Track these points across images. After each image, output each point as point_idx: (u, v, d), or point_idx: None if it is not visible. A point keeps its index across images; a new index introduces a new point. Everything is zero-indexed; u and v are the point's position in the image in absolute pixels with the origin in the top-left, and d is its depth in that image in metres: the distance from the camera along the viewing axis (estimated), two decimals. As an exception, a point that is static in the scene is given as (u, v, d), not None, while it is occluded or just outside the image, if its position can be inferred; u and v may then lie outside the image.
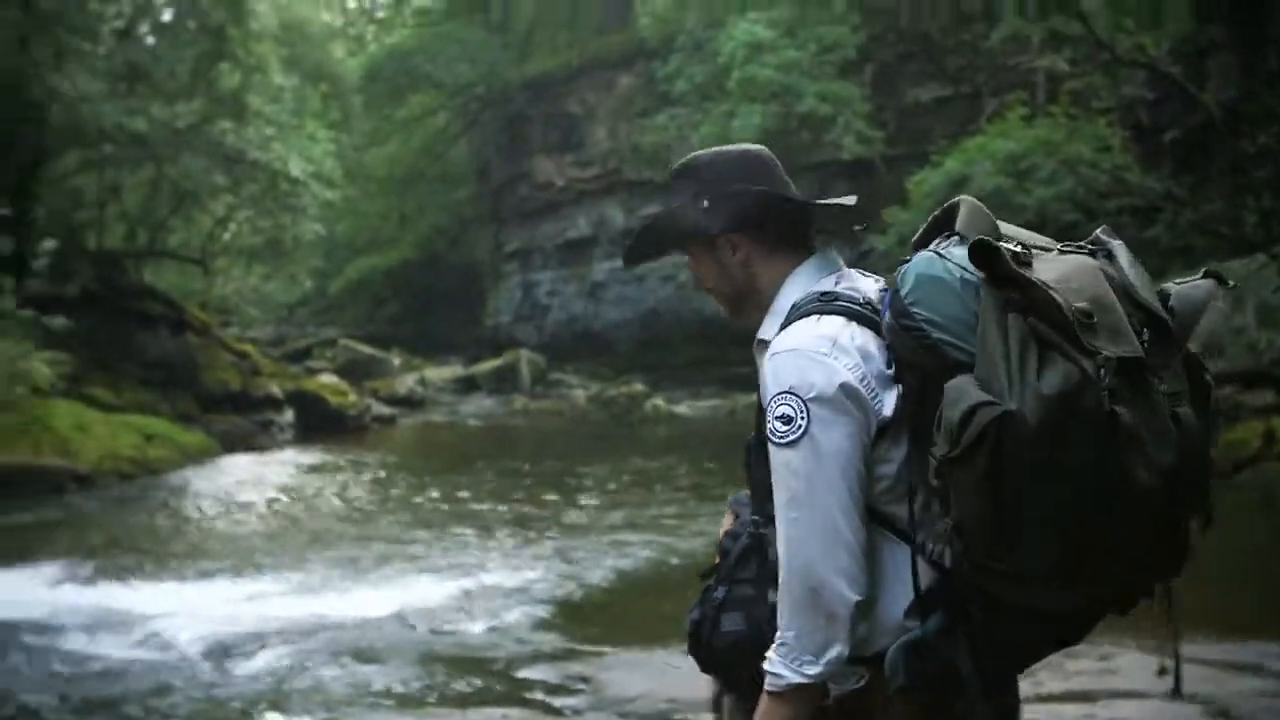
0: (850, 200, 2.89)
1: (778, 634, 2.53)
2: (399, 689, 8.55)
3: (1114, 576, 2.42)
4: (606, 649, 9.62)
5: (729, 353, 37.62)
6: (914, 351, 2.46)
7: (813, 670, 2.48)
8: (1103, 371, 2.23)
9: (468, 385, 35.79)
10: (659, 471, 19.85)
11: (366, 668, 9.10)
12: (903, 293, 2.49)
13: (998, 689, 2.51)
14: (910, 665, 2.44)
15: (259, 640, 9.77)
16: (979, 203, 2.58)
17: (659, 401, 32.05)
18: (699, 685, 8.31)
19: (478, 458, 21.34)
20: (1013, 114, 25.96)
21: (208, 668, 9.14)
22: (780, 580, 2.53)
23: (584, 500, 17.00)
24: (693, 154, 3.12)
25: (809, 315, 2.64)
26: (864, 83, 32.02)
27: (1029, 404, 2.23)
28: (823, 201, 2.89)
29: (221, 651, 9.52)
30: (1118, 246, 2.54)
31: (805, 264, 2.82)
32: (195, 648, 9.57)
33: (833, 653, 2.48)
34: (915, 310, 2.45)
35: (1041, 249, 2.51)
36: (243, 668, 9.10)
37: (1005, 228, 2.57)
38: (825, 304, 2.65)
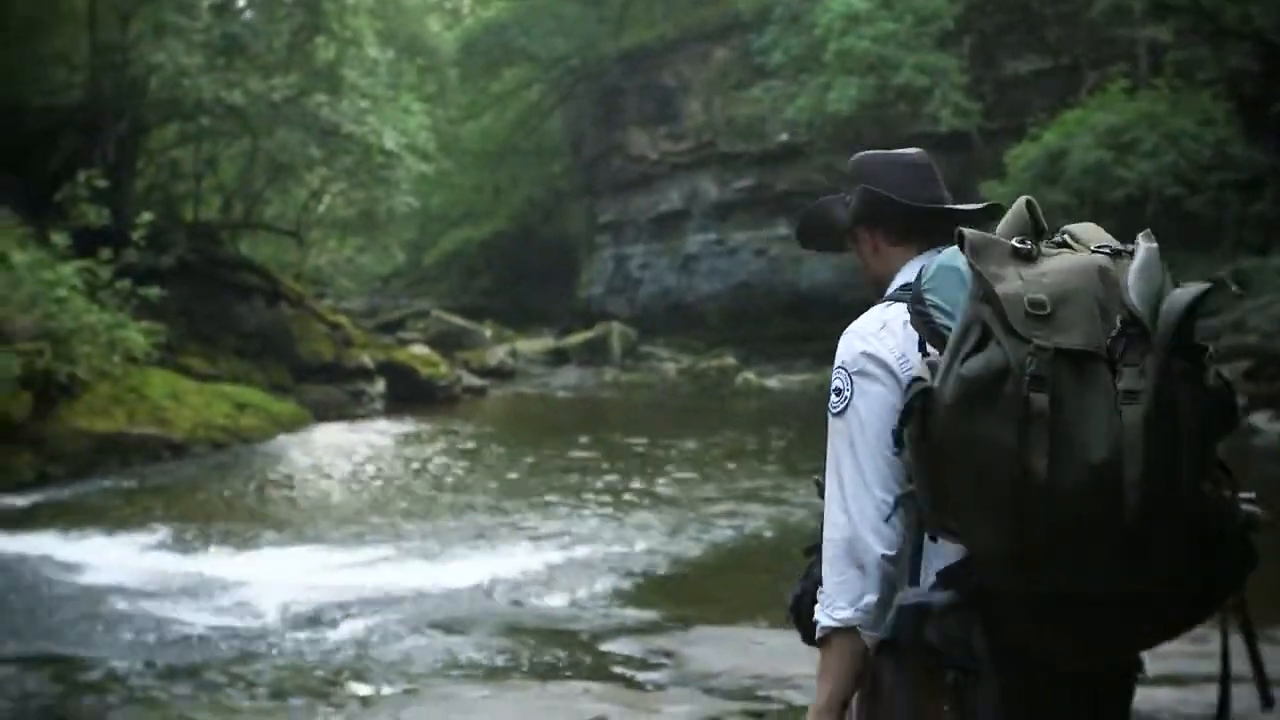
0: (956, 206, 3.01)
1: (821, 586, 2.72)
2: (482, 660, 8.53)
3: (1089, 572, 2.33)
4: (692, 623, 9.55)
5: (821, 327, 37.26)
6: (924, 333, 2.60)
7: (843, 614, 2.65)
8: (1030, 360, 2.29)
9: (558, 357, 35.83)
10: (750, 445, 19.73)
11: (450, 638, 9.10)
12: (923, 280, 2.64)
13: (1011, 670, 2.48)
14: (903, 625, 2.52)
15: (344, 609, 9.81)
16: (1031, 202, 2.62)
17: (750, 375, 31.89)
18: (784, 661, 8.26)
19: (567, 429, 21.32)
20: (1114, 86, 25.48)
21: (293, 636, 9.17)
22: (824, 536, 2.73)
23: (672, 473, 16.93)
24: (860, 153, 3.31)
25: (885, 301, 2.90)
26: (961, 54, 31.55)
27: (948, 384, 2.34)
28: (926, 206, 3.00)
29: (307, 620, 9.56)
30: (1143, 249, 2.48)
31: (917, 257, 2.96)
32: (281, 615, 9.62)
33: (864, 601, 2.63)
34: (927, 296, 2.59)
35: (1083, 246, 2.54)
36: (327, 636, 9.13)
37: (1077, 228, 2.64)
38: (902, 292, 2.82)
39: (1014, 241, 2.47)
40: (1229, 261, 27.70)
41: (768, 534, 12.86)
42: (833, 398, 2.78)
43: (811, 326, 37.46)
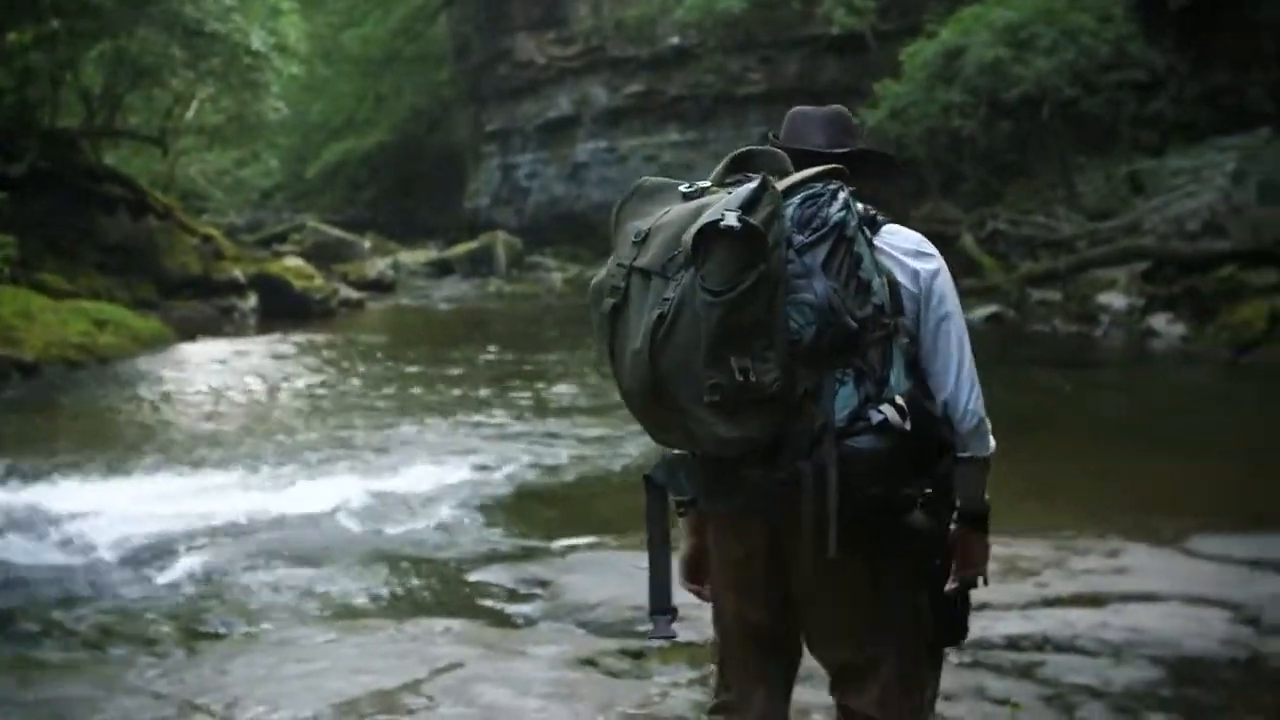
0: (826, 149, 3.37)
1: None
2: (334, 597, 7.70)
3: (653, 432, 3.16)
4: (571, 548, 8.77)
5: (714, 234, 36.66)
6: None
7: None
8: (617, 274, 3.04)
9: (442, 269, 34.77)
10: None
11: (301, 571, 8.24)
12: None
13: (716, 499, 3.15)
14: (658, 475, 3.25)
15: (188, 541, 8.86)
16: (740, 155, 3.18)
17: (640, 281, 31.00)
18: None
19: (445, 343, 20.41)
20: (1011, -20, 24.75)
21: (126, 574, 8.24)
22: None
23: (553, 388, 16.14)
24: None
25: None
26: (857, -48, 30.66)
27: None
28: (794, 148, 3.36)
29: (145, 555, 8.60)
30: (740, 188, 2.95)
31: None
32: (114, 552, 8.64)
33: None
34: None
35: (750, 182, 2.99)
36: (163, 574, 8.20)
37: (801, 172, 3.12)
38: None
39: (682, 186, 3.11)
40: (1125, 163, 27.37)
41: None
42: None
43: (704, 234, 36.77)
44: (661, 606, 3.28)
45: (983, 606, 6.49)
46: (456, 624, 6.83)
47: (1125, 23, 23.97)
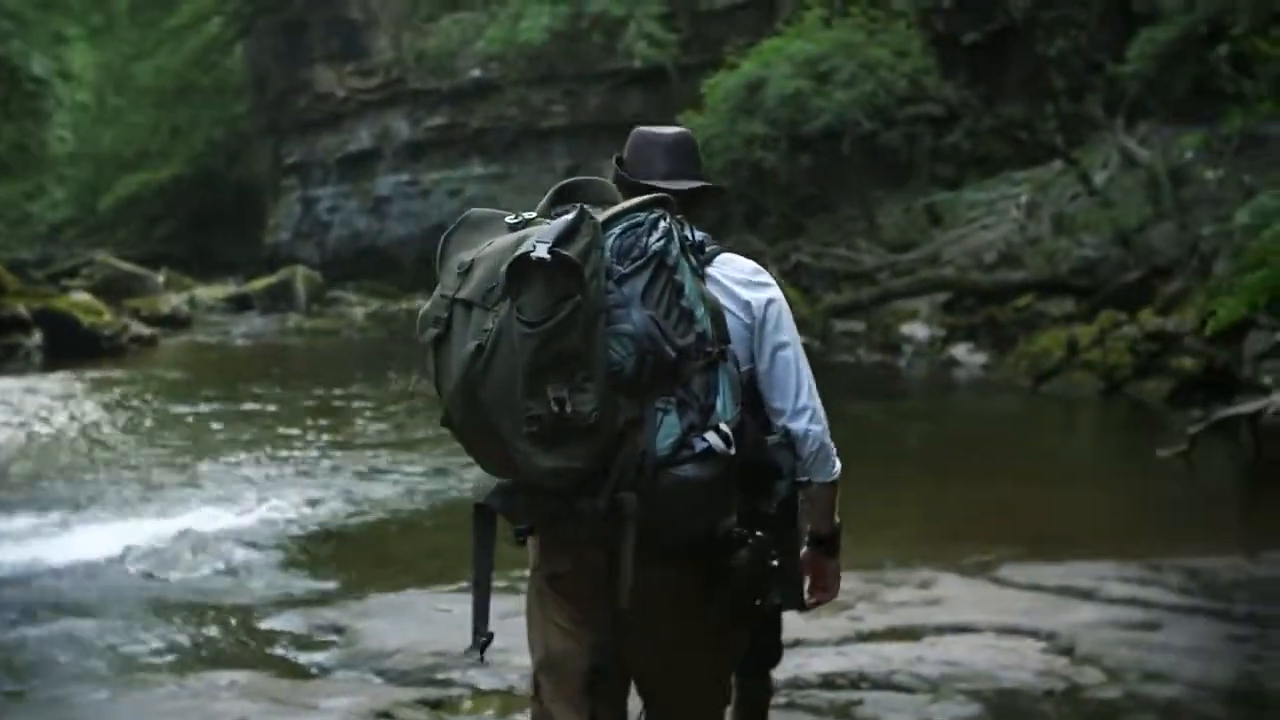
0: (670, 186, 3.34)
1: None
2: (111, 651, 7.15)
3: (481, 460, 3.12)
4: (369, 590, 8.35)
5: (520, 269, 36.33)
6: None
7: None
8: (440, 305, 3.02)
9: (240, 304, 33.79)
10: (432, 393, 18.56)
11: (76, 623, 7.67)
12: None
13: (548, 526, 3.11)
14: (493, 501, 3.16)
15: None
16: (564, 187, 3.14)
17: (442, 318, 30.50)
18: (470, 632, 7.13)
19: (239, 380, 19.69)
20: (811, 15, 24.99)
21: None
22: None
23: (356, 424, 15.65)
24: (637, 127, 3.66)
25: None
26: (658, -15, 30.75)
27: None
28: (639, 182, 3.39)
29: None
30: (558, 220, 2.94)
31: None
32: None
33: None
34: None
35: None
36: (-76, 630, 7.57)
37: (590, 190, 3.15)
38: None
39: (508, 218, 3.07)
40: (923, 195, 27.85)
41: (455, 490, 11.75)
42: None
43: (508, 268, 36.43)
44: (480, 629, 3.23)
45: (796, 643, 6.30)
46: (243, 676, 6.39)
47: (921, 57, 24.41)
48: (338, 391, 18.44)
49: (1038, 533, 10.09)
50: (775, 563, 3.13)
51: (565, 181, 3.15)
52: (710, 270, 3.16)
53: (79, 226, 50.89)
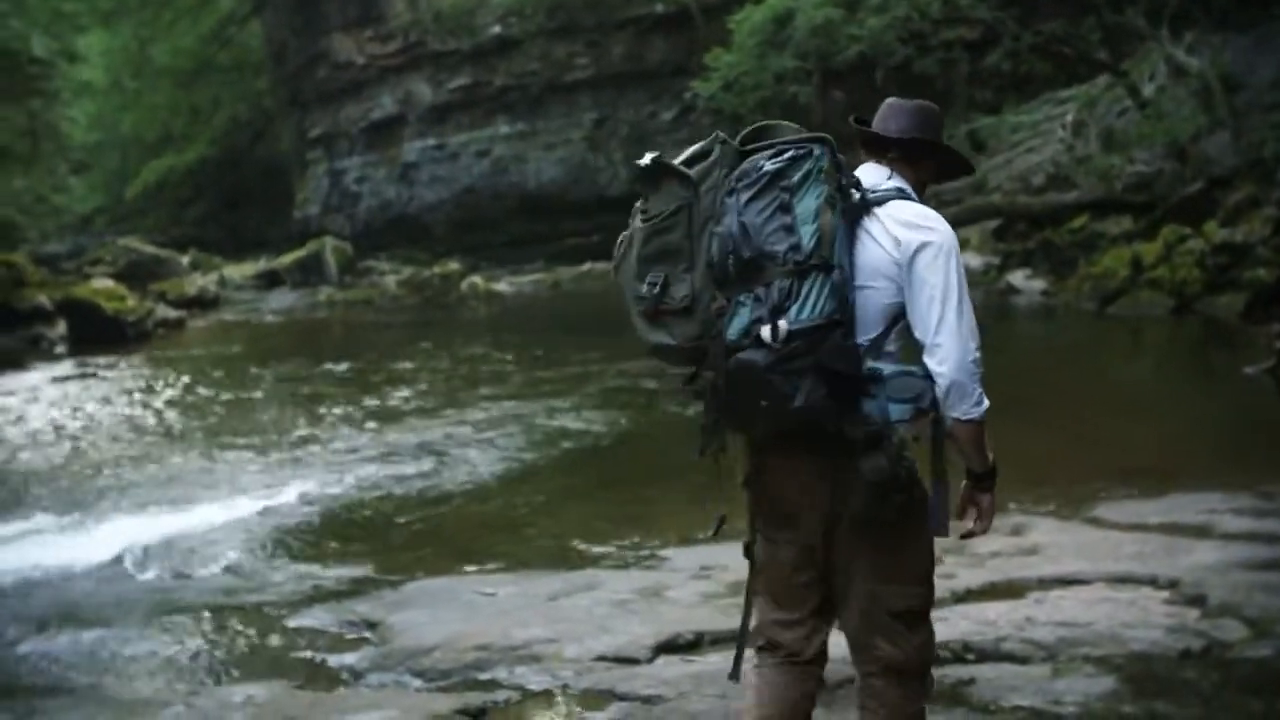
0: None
1: None
2: (121, 664, 6.41)
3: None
4: (407, 576, 7.58)
5: (554, 225, 35.62)
6: None
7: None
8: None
9: (270, 280, 33.06)
10: (471, 359, 17.85)
11: (87, 634, 6.94)
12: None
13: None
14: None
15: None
16: (773, 124, 3.58)
17: (476, 280, 29.87)
18: (517, 620, 6.35)
19: (267, 359, 18.98)
20: (838, -59, 23.98)
21: None
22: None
23: (389, 398, 14.92)
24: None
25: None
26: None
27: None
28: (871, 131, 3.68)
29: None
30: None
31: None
32: None
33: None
34: None
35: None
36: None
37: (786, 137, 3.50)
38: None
39: (676, 162, 3.51)
40: (963, 122, 26.86)
41: (506, 463, 11.02)
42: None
43: (544, 227, 35.69)
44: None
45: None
46: (261, 690, 5.63)
47: (955, -25, 23.35)
48: (365, 365, 17.70)
49: (1129, 465, 9.29)
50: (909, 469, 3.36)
51: (757, 124, 3.58)
52: (878, 210, 3.43)
53: (108, 215, 50.54)
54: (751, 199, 3.33)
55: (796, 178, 3.34)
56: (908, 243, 3.38)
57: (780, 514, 3.51)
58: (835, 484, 3.38)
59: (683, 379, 3.53)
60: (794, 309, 3.28)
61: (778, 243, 3.30)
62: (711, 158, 3.40)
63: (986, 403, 3.41)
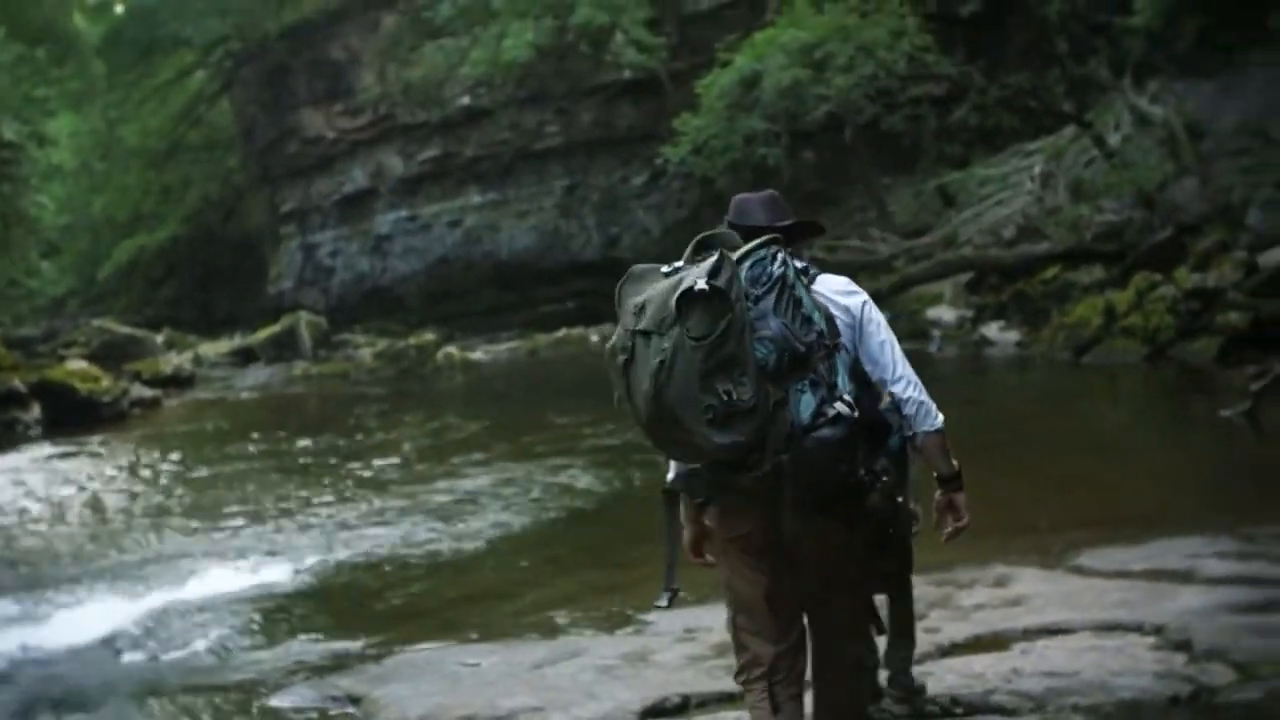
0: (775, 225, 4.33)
1: None
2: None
3: (668, 448, 4.03)
4: (386, 650, 7.52)
5: (527, 293, 35.69)
6: None
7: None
8: (624, 336, 3.90)
9: (245, 357, 32.89)
10: (449, 429, 17.80)
11: (71, 719, 6.86)
12: None
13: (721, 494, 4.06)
14: (675, 484, 4.19)
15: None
16: (703, 239, 4.06)
17: (452, 349, 29.84)
18: (501, 689, 6.29)
19: (240, 436, 18.88)
20: (800, 1, 24.20)
21: None
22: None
23: (366, 469, 14.87)
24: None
25: None
26: (639, -9, 29.96)
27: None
28: (748, 226, 4.33)
29: None
30: (704, 263, 3.89)
31: None
32: None
33: None
34: None
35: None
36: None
37: (749, 244, 4.04)
38: None
39: (663, 269, 3.98)
40: (932, 177, 27.05)
41: (494, 529, 10.98)
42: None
43: (518, 295, 35.74)
44: (670, 582, 4.29)
45: (874, 667, 5.45)
46: (244, 771, 5.57)
47: (919, 34, 23.53)
48: (341, 442, 17.63)
49: (1110, 512, 9.33)
50: (900, 499, 4.27)
51: (702, 235, 4.06)
52: (815, 286, 4.10)
53: (81, 297, 50.36)
54: (775, 302, 3.89)
55: (790, 276, 3.93)
56: (853, 306, 4.12)
57: (785, 559, 4.05)
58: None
59: (726, 466, 3.91)
60: (840, 385, 3.95)
61: (808, 334, 3.90)
62: (727, 273, 3.81)
63: (942, 415, 4.16)
